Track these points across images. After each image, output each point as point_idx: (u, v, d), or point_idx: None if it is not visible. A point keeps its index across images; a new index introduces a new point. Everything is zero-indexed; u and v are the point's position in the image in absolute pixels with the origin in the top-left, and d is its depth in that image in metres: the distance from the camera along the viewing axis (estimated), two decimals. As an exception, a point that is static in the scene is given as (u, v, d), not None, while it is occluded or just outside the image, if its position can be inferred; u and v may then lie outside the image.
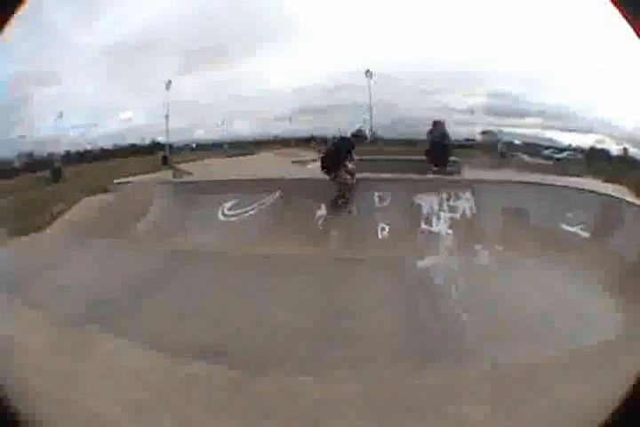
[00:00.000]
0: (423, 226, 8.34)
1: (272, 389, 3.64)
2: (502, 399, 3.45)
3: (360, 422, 3.22)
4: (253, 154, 19.67)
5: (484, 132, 45.58)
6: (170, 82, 18.44)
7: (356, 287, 6.07)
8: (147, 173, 13.58)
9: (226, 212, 8.98)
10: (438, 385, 3.71)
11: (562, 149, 23.35)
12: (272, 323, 4.90)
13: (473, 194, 8.85)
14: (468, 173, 10.93)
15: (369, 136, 13.67)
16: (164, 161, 24.92)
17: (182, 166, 18.23)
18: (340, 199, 8.64)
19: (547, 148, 23.95)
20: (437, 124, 11.17)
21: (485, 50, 17.89)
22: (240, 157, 18.61)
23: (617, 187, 16.30)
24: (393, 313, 5.21)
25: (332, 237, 8.18)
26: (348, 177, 8.72)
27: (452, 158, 11.26)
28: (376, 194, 8.78)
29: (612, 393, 1.64)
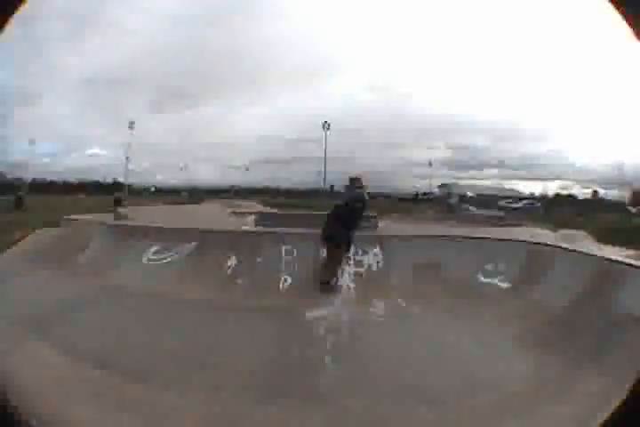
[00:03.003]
0: None
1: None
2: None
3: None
4: (199, 203, 20.13)
5: (440, 186, 46.80)
6: (133, 122, 18.90)
7: (240, 331, 6.23)
8: (99, 211, 14.31)
9: (150, 256, 9.32)
10: (279, 418, 3.88)
11: (521, 199, 24.26)
12: (159, 347, 5.40)
13: (382, 249, 9.03)
14: (384, 228, 11.13)
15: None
16: (117, 202, 25.60)
17: (131, 208, 18.78)
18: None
19: (504, 198, 25.06)
20: (354, 182, 8.54)
21: (450, 103, 18.81)
22: (187, 205, 19.06)
23: (574, 232, 17.07)
24: (263, 355, 5.35)
25: (237, 286, 8.33)
26: None
27: (370, 213, 11.02)
28: (284, 247, 8.93)
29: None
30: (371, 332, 6.34)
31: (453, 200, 26.36)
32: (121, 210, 17.09)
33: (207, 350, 5.39)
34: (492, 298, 7.75)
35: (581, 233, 17.35)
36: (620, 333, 5.22)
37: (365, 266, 8.83)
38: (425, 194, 43.78)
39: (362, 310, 7.33)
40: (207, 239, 9.51)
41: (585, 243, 14.07)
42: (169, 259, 9.19)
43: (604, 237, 16.03)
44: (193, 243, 9.35)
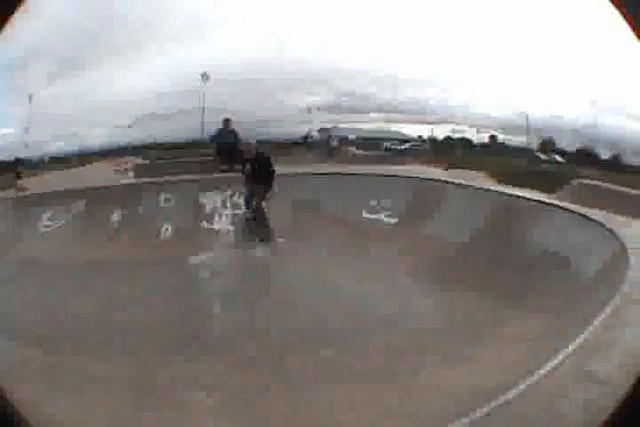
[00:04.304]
0: (204, 224, 8.78)
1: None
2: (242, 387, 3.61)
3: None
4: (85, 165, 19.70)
5: (319, 130, 46.49)
6: (31, 96, 18.12)
7: (130, 283, 6.43)
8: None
9: (45, 222, 9.18)
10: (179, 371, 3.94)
11: (407, 141, 24.45)
12: (79, 316, 5.32)
13: None
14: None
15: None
16: (18, 176, 24.55)
17: (31, 180, 18.12)
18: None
19: (389, 140, 24.20)
20: (227, 123, 11.38)
21: (332, 48, 18.25)
22: (78, 168, 18.65)
23: (472, 173, 16.49)
24: (161, 309, 5.51)
25: (122, 239, 8.48)
26: None
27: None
28: (162, 196, 9.07)
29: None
30: (255, 274, 6.79)
31: (334, 143, 26.52)
32: (20, 182, 16.60)
33: (115, 310, 5.38)
34: (378, 234, 7.85)
35: (480, 174, 16.00)
36: (538, 271, 5.20)
37: (242, 208, 8.91)
38: (305, 138, 43.03)
39: (243, 252, 7.79)
40: (91, 197, 9.47)
41: (484, 182, 13.07)
42: (63, 221, 9.12)
43: (508, 179, 14.49)
44: (79, 202, 9.28)
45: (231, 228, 8.75)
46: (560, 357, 2.45)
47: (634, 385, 1.04)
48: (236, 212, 8.99)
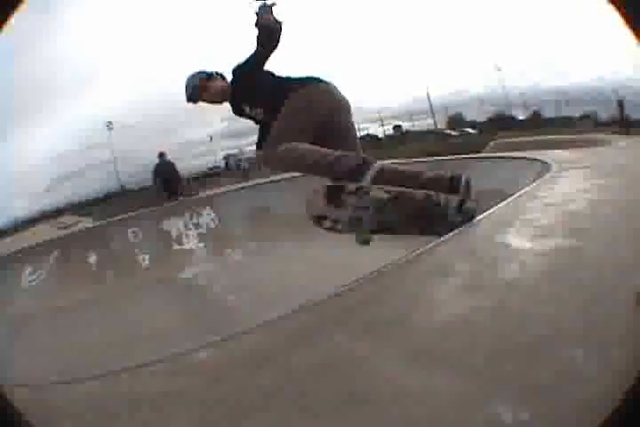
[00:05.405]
0: (176, 247, 9.71)
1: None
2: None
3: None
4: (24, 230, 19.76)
5: (224, 157, 47.13)
6: None
7: (138, 305, 7.08)
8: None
9: (28, 278, 9.21)
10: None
11: None
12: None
13: (212, 208, 10.41)
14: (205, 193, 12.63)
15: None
16: None
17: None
18: None
19: None
20: (162, 155, 12.18)
21: None
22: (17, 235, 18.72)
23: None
24: (172, 311, 6.32)
25: (107, 278, 9.03)
26: None
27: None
28: (129, 231, 9.77)
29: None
30: (247, 270, 7.78)
31: (244, 165, 27.71)
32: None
33: (140, 330, 5.72)
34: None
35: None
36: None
37: (205, 226, 10.14)
38: (211, 169, 43.66)
39: (222, 260, 8.96)
40: (63, 245, 9.86)
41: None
42: (45, 273, 9.29)
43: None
44: (55, 252, 9.58)
45: (201, 245, 9.80)
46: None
47: (634, 385, 0.95)
48: (200, 231, 10.06)
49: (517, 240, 2.01)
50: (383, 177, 2.68)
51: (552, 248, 1.81)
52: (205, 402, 1.20)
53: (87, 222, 14.04)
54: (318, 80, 3.21)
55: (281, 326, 1.67)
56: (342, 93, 3.22)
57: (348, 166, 2.72)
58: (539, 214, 2.44)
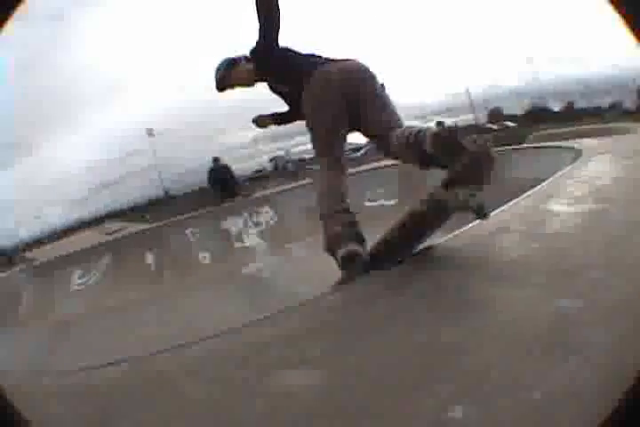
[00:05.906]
0: (237, 244, 10.00)
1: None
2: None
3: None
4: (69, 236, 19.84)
5: (271, 159, 47.47)
6: None
7: (209, 299, 7.16)
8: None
9: (77, 281, 9.45)
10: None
11: (360, 148, 25.81)
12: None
13: (270, 206, 10.72)
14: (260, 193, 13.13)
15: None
16: (10, 260, 24.35)
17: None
18: None
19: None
20: (217, 160, 12.83)
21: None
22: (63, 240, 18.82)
23: None
24: (240, 303, 6.37)
25: (164, 277, 9.23)
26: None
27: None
28: (188, 230, 10.09)
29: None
30: (294, 270, 7.65)
31: (292, 167, 27.86)
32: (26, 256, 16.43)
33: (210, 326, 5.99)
34: (382, 216, 8.88)
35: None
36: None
37: (264, 223, 10.48)
38: (258, 171, 43.74)
39: (285, 254, 9.06)
40: (116, 248, 10.10)
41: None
42: (94, 277, 9.48)
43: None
44: (106, 256, 9.76)
45: (262, 241, 10.08)
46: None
47: (634, 385, 0.97)
48: (259, 229, 10.39)
49: (558, 206, 2.81)
50: None
51: (585, 210, 2.55)
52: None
53: (133, 228, 13.73)
54: (322, 63, 3.04)
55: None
56: (349, 68, 3.02)
57: (334, 232, 2.87)
58: (572, 189, 3.26)
